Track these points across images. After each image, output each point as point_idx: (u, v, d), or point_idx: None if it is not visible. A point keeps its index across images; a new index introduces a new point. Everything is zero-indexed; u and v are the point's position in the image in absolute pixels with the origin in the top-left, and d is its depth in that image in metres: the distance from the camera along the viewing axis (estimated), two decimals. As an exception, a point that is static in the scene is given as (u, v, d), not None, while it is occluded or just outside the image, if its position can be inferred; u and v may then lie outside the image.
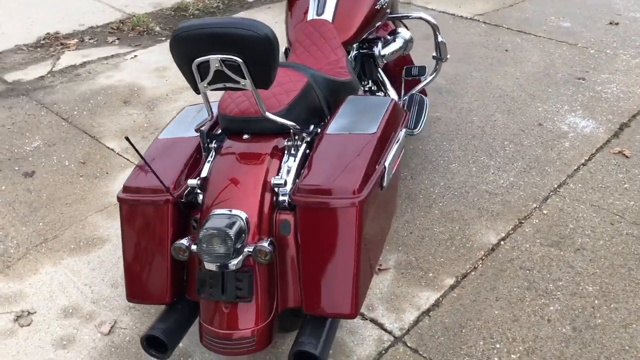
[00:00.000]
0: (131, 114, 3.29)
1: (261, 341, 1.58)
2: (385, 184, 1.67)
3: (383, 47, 2.45)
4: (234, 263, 1.50)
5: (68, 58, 3.94)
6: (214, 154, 1.73)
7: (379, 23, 2.47)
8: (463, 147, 2.95)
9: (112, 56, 3.97)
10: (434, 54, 2.86)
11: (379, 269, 2.21)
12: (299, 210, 1.55)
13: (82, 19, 4.51)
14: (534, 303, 2.08)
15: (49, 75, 3.71)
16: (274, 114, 1.66)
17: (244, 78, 1.52)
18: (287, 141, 1.69)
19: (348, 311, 1.55)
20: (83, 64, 3.85)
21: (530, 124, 3.14)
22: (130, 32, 4.36)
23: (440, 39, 2.77)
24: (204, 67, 1.54)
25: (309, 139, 1.74)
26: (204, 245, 1.48)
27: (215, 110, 1.76)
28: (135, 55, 3.99)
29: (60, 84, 3.60)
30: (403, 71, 2.77)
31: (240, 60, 1.49)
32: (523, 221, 2.46)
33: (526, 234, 2.39)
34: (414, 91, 2.80)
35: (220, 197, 1.60)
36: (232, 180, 1.62)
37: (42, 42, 4.17)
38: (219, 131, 1.81)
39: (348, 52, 2.29)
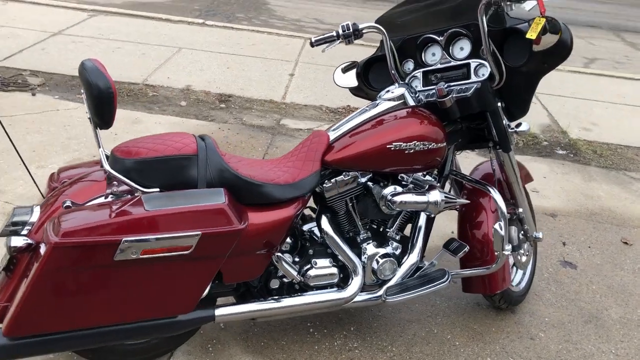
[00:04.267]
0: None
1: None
2: (117, 257, 1.71)
3: (396, 194, 2.19)
4: (11, 242, 1.79)
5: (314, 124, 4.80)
6: None
7: (410, 167, 2.20)
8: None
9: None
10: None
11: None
12: None
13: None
14: None
15: (282, 124, 4.70)
16: (124, 158, 1.84)
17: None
18: (113, 186, 1.89)
19: (4, 328, 1.74)
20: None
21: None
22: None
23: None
24: None
25: (138, 194, 1.83)
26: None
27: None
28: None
29: (278, 135, 4.55)
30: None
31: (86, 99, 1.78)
32: None
33: None
34: (453, 273, 2.44)
35: (51, 196, 2.00)
36: (66, 191, 1.97)
37: (339, 109, 5.13)
38: None
39: (334, 172, 2.20)
